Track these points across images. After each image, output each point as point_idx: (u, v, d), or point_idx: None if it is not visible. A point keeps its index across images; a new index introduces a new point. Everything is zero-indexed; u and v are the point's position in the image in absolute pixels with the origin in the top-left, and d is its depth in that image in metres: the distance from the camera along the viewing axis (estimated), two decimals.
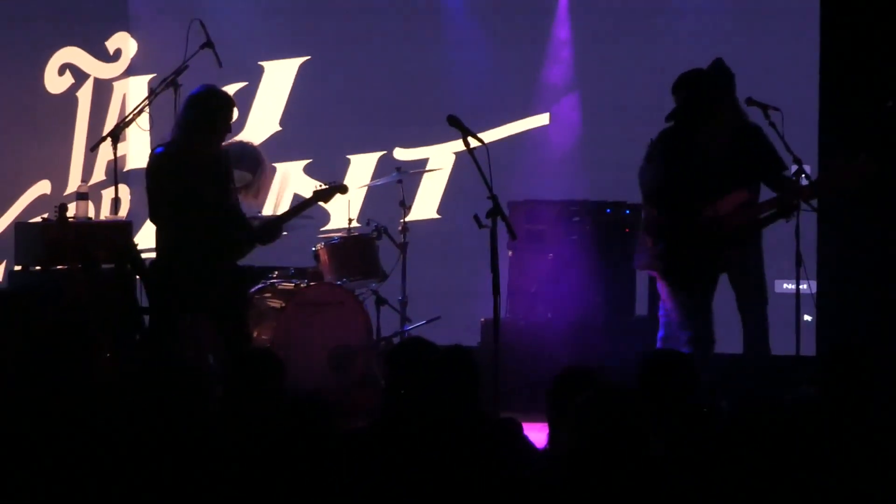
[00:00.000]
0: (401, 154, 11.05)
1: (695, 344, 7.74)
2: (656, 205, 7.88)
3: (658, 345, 7.88)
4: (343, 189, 8.28)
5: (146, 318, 7.99)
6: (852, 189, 7.94)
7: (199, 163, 7.61)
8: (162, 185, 7.55)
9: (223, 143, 8.92)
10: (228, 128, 7.72)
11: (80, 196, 9.55)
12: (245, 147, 9.09)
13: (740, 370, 8.12)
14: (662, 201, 7.86)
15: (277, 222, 8.14)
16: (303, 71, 11.18)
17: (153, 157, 7.68)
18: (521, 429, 5.30)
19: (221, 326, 7.76)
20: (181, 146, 7.61)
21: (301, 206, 8.17)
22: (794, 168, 8.03)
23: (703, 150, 7.90)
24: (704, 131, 7.91)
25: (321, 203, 8.21)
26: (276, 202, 9.29)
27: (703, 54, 8.17)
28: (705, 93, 7.85)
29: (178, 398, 4.67)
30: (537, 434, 5.43)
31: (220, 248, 7.65)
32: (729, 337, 8.13)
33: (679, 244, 7.81)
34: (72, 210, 8.98)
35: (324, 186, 8.21)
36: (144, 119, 8.60)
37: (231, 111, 7.71)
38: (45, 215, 9.54)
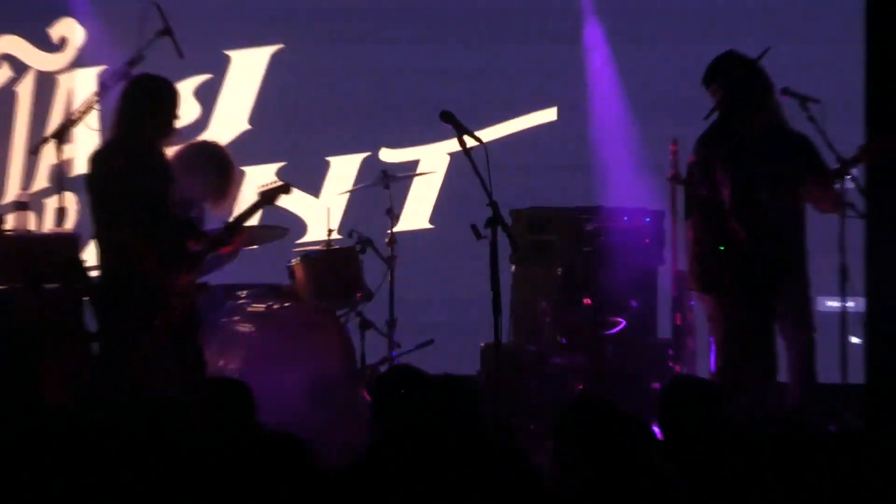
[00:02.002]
0: (387, 155, 11.09)
1: (765, 373, 7.69)
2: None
3: (719, 377, 7.65)
4: (286, 189, 8.37)
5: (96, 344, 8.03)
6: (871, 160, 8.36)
7: (147, 159, 7.71)
8: (116, 188, 7.62)
9: (188, 144, 8.95)
10: (175, 116, 7.81)
11: (20, 206, 9.57)
12: (209, 147, 9.10)
13: (783, 399, 8.17)
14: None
15: (225, 233, 8.16)
16: (275, 61, 11.22)
17: (96, 158, 7.76)
18: (528, 462, 5.33)
19: (179, 351, 7.83)
20: (126, 141, 7.71)
21: (248, 211, 8.24)
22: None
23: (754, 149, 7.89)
24: (750, 126, 7.87)
25: (267, 204, 8.31)
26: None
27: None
28: (751, 80, 7.80)
29: (143, 433, 4.72)
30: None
31: (173, 260, 7.74)
32: None
33: (755, 256, 7.69)
34: (10, 222, 9.01)
35: (269, 186, 8.31)
36: (93, 117, 8.63)
37: (175, 97, 7.80)
38: None
